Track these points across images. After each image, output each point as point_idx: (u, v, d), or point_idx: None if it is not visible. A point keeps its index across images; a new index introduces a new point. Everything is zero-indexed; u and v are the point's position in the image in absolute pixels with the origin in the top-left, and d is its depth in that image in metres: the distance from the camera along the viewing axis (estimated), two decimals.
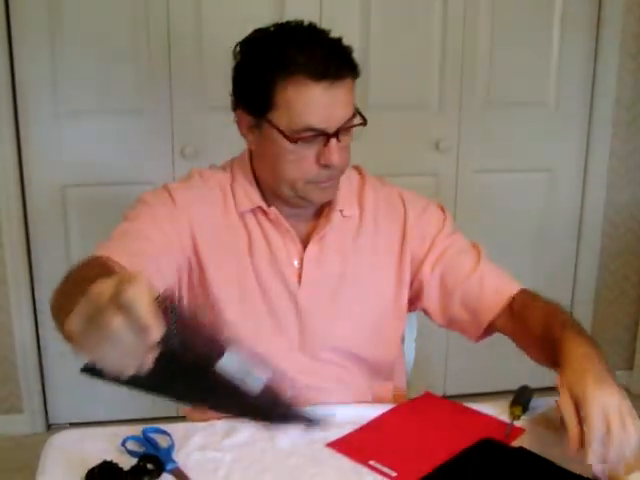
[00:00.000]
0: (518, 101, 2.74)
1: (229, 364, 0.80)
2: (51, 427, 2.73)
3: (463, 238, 1.41)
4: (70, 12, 2.40)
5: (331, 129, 1.19)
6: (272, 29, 1.23)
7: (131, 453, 1.11)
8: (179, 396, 0.91)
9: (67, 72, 2.44)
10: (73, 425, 2.65)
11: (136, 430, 1.17)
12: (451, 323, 1.40)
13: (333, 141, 1.19)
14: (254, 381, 0.81)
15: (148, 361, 0.74)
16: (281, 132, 1.19)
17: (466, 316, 1.36)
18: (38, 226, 2.56)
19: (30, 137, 2.48)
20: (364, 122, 1.25)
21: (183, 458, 1.11)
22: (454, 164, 2.74)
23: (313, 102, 1.16)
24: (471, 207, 2.76)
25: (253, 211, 1.32)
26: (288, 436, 1.17)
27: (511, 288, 1.35)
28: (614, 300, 3.00)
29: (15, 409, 2.68)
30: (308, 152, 1.21)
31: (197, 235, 1.29)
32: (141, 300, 0.70)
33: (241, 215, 1.32)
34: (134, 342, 0.71)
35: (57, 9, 2.38)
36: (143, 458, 1.08)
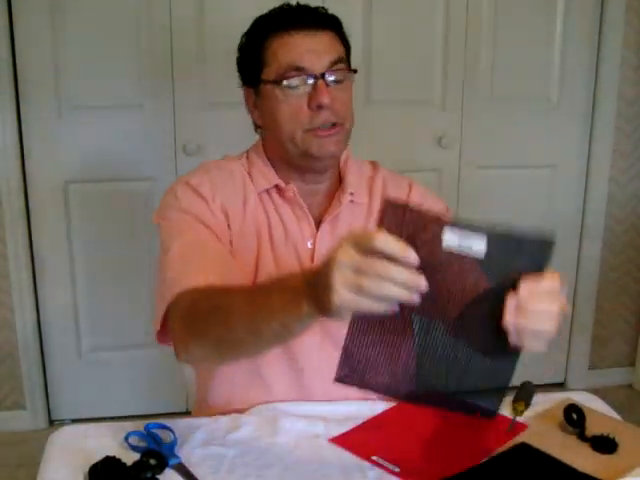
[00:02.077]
0: (520, 97, 2.73)
1: (452, 238, 0.87)
2: (53, 423, 2.73)
3: None
4: (72, 9, 2.40)
5: (316, 70, 1.23)
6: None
7: (134, 448, 1.11)
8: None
9: (69, 68, 2.44)
10: (75, 421, 2.65)
11: (139, 426, 1.17)
12: None
13: (320, 82, 1.23)
14: (477, 243, 0.87)
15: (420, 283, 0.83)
16: (270, 82, 1.25)
17: None
18: (40, 222, 2.56)
19: (32, 133, 2.49)
20: (353, 70, 1.29)
21: (186, 453, 1.11)
22: (456, 160, 2.74)
23: (295, 46, 1.23)
24: (473, 203, 2.76)
25: (269, 192, 1.34)
26: (291, 431, 1.17)
27: None
28: (617, 296, 3.00)
29: (18, 405, 2.68)
30: (299, 100, 1.24)
31: (230, 222, 1.31)
32: (386, 239, 0.81)
33: (259, 197, 1.33)
34: (402, 274, 0.81)
35: (59, 6, 2.38)
36: (146, 453, 1.07)
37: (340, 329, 1.33)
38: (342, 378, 0.97)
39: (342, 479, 1.07)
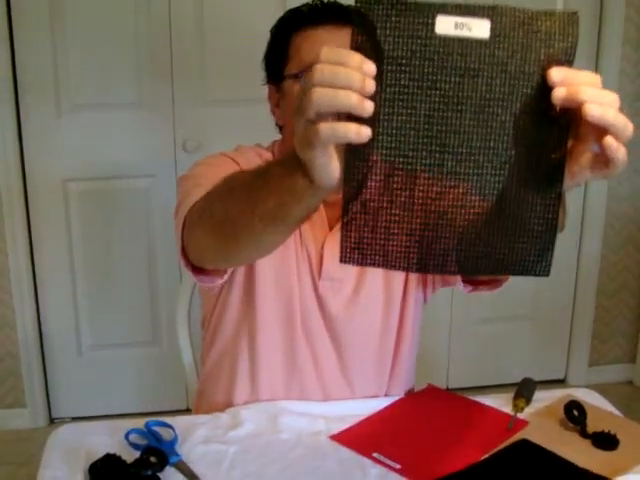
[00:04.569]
0: None
1: (445, 23, 0.73)
2: (54, 421, 2.73)
3: None
4: (71, 7, 2.39)
5: None
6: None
7: (134, 446, 1.11)
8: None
9: (69, 66, 2.43)
10: (76, 419, 2.65)
11: (139, 423, 1.17)
12: (474, 287, 1.30)
13: None
14: (480, 24, 0.73)
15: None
16: (292, 76, 1.22)
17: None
18: (40, 220, 2.56)
19: (32, 131, 2.48)
20: None
21: (187, 451, 1.11)
22: None
23: (318, 40, 1.20)
24: None
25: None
26: (292, 429, 1.17)
27: None
28: (616, 292, 3.00)
29: (18, 403, 2.68)
30: None
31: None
32: (336, 49, 0.69)
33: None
34: (360, 77, 0.68)
35: (58, 5, 2.38)
36: (146, 451, 1.07)
37: (344, 331, 1.34)
38: (349, 256, 0.79)
39: (343, 476, 1.07)
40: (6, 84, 2.41)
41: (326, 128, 0.68)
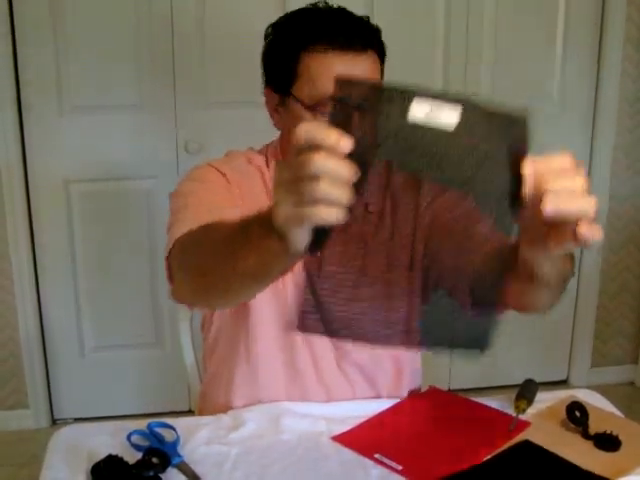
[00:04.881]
0: (522, 94, 2.72)
1: (421, 108, 0.75)
2: (56, 422, 2.73)
3: None
4: (73, 9, 2.40)
5: None
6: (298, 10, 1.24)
7: (136, 447, 1.11)
8: None
9: (70, 68, 2.43)
10: (78, 420, 2.66)
11: (141, 424, 1.17)
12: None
13: (356, 115, 1.18)
14: (448, 114, 0.76)
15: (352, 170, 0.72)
16: (301, 102, 1.18)
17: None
18: (42, 221, 2.56)
19: (34, 133, 2.48)
20: None
21: (189, 452, 1.11)
22: None
23: (332, 71, 1.13)
24: None
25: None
26: (294, 430, 1.17)
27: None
28: (618, 293, 3.00)
29: (20, 404, 2.68)
30: None
31: (245, 211, 1.28)
32: (314, 127, 0.71)
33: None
34: (338, 164, 0.70)
35: (60, 6, 2.39)
36: (148, 452, 1.08)
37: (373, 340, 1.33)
38: (304, 325, 0.87)
39: (345, 477, 1.07)
40: (8, 86, 2.41)
41: (319, 213, 0.71)
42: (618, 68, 2.74)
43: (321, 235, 0.76)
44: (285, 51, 1.20)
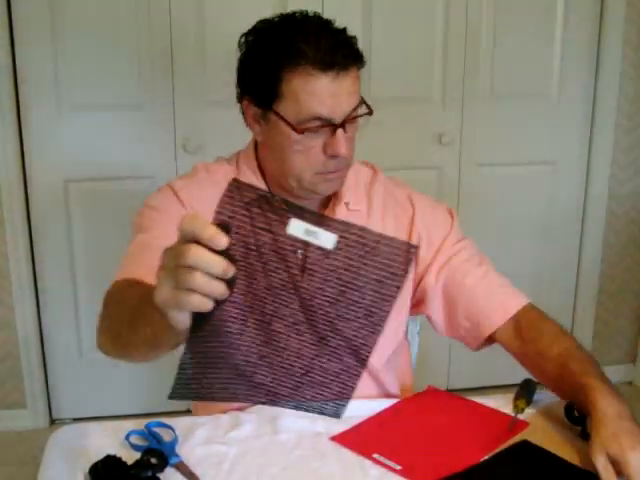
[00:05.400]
0: (521, 94, 2.73)
1: (296, 227, 0.81)
2: (54, 422, 2.74)
3: (471, 246, 1.39)
4: (72, 8, 2.39)
5: (338, 119, 1.18)
6: (277, 20, 1.22)
7: (135, 447, 1.11)
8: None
9: (69, 67, 2.44)
10: (76, 420, 2.65)
11: (139, 424, 1.17)
12: (451, 332, 1.39)
13: (340, 131, 1.19)
14: (327, 237, 0.80)
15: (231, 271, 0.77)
16: (288, 123, 1.18)
17: (468, 326, 1.35)
18: (41, 221, 2.56)
19: (32, 132, 2.48)
20: (370, 112, 1.24)
21: (187, 452, 1.11)
22: (457, 157, 2.74)
23: (320, 92, 1.15)
24: (474, 200, 2.76)
25: (258, 201, 1.31)
26: (292, 430, 1.17)
27: (517, 303, 1.33)
28: (617, 292, 3.00)
29: (19, 404, 2.68)
30: (315, 143, 1.20)
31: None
32: (195, 221, 0.75)
33: (246, 206, 1.31)
34: (210, 259, 0.75)
35: (59, 5, 2.38)
36: (147, 452, 1.07)
37: (327, 324, 1.34)
38: (176, 393, 0.93)
39: (343, 477, 1.07)
40: (7, 85, 2.41)
41: (192, 301, 0.76)
42: (617, 68, 2.74)
43: (200, 319, 0.81)
44: (267, 68, 1.19)
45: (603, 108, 2.78)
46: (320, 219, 0.85)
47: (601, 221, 2.90)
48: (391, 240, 1.05)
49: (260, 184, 1.31)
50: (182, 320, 0.81)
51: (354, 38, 1.21)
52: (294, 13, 1.22)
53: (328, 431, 1.17)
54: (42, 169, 2.52)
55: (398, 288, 1.06)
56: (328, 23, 1.21)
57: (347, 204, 1.33)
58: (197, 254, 0.75)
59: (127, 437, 1.13)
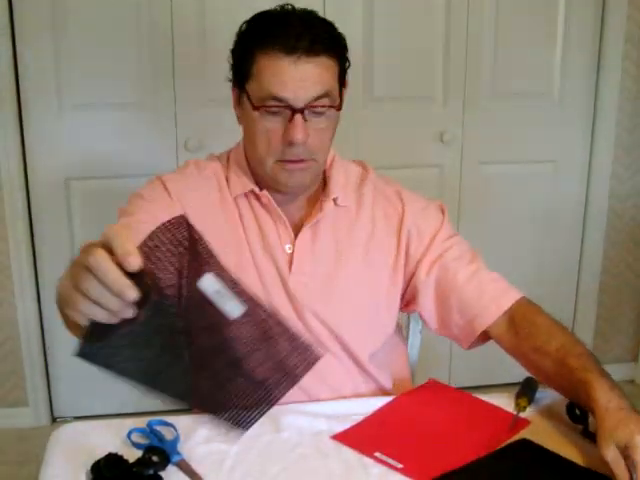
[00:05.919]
0: (522, 92, 2.73)
1: (209, 284, 0.81)
2: (56, 420, 2.74)
3: (462, 242, 1.38)
4: (73, 7, 2.39)
5: (297, 104, 1.18)
6: (271, 10, 1.25)
7: (136, 445, 1.11)
8: (167, 384, 1.00)
9: (70, 65, 2.44)
10: (78, 418, 2.66)
11: (141, 422, 1.17)
12: (444, 330, 1.39)
13: (298, 117, 1.19)
14: (233, 307, 0.81)
15: (129, 312, 0.78)
16: (250, 101, 1.21)
17: (461, 323, 1.35)
18: (42, 219, 2.56)
19: (33, 130, 2.48)
20: (337, 106, 1.24)
21: (188, 450, 1.11)
22: (458, 156, 2.74)
23: (281, 73, 1.17)
24: (475, 199, 2.76)
25: (246, 196, 1.33)
26: (294, 428, 1.17)
27: (510, 297, 1.32)
28: (618, 291, 3.00)
29: (20, 402, 2.68)
30: (275, 126, 1.21)
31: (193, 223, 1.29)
32: (120, 233, 0.76)
33: (235, 201, 1.32)
34: (108, 270, 0.76)
35: (60, 4, 2.38)
36: (148, 450, 1.07)
37: (342, 333, 1.34)
38: (84, 354, 0.91)
39: (345, 476, 1.07)
40: (8, 84, 2.41)
41: (86, 306, 0.78)
42: (618, 67, 2.74)
43: (100, 329, 0.81)
44: (243, 49, 1.23)
45: (604, 107, 2.78)
46: (235, 285, 0.84)
47: (602, 219, 2.90)
48: (295, 339, 0.97)
49: (248, 179, 1.33)
50: (76, 317, 0.82)
51: (335, 31, 1.23)
52: (290, 5, 1.24)
53: (329, 430, 1.17)
54: (43, 167, 2.52)
55: (293, 384, 0.99)
56: (310, 13, 1.23)
57: (335, 200, 1.33)
58: (98, 260, 0.75)
59: (129, 435, 1.13)
